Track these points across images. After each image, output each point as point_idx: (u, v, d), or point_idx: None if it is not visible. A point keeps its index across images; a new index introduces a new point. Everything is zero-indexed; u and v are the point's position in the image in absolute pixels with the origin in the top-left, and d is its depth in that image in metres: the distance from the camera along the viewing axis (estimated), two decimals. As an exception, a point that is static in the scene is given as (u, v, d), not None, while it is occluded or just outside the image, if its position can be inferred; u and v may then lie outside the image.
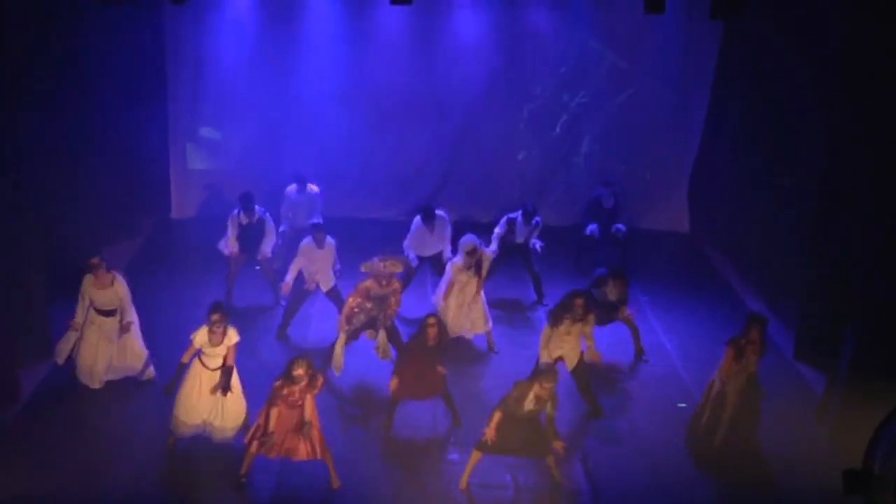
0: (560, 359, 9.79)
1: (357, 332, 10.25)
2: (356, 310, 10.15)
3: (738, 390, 9.06)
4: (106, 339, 9.97)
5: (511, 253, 12.39)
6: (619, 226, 13.37)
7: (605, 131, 14.93)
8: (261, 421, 8.48)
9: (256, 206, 11.84)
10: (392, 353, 10.18)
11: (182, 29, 14.33)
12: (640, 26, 14.02)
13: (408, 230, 12.28)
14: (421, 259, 12.11)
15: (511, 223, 12.32)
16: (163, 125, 14.56)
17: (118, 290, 9.91)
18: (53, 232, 11.23)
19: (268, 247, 11.88)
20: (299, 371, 8.24)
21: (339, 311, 10.78)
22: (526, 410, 8.46)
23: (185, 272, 12.85)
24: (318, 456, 8.54)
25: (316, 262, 11.16)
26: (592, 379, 10.12)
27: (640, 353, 11.20)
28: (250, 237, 11.86)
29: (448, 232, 12.12)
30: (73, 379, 10.09)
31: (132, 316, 10.07)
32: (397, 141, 14.99)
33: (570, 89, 14.89)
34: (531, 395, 8.43)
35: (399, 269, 10.23)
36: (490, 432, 8.53)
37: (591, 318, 9.90)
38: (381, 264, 10.07)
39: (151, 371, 10.19)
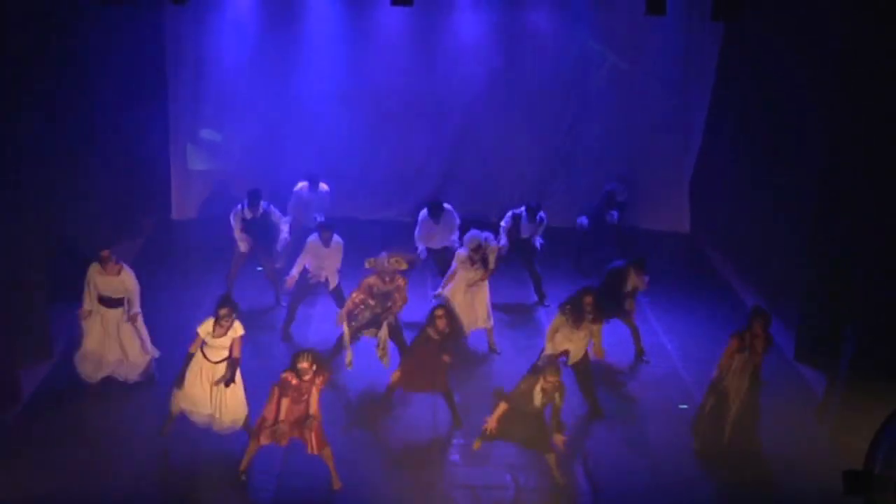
0: (565, 353, 9.77)
1: (360, 329, 10.24)
2: (360, 306, 10.14)
3: (741, 388, 9.04)
4: (108, 332, 9.96)
5: (514, 249, 12.36)
6: (613, 213, 13.39)
7: (605, 132, 14.91)
8: (267, 413, 8.48)
9: (262, 202, 11.83)
10: (391, 358, 10.14)
11: (182, 29, 14.32)
12: (641, 27, 14.02)
13: (409, 229, 12.28)
14: (428, 251, 12.15)
15: (516, 219, 12.34)
16: (163, 125, 14.55)
17: (125, 279, 9.91)
18: (54, 232, 11.24)
19: (285, 235, 11.85)
20: (304, 364, 8.26)
21: (341, 308, 10.79)
22: (535, 405, 8.47)
23: (185, 273, 12.85)
24: (317, 451, 8.54)
25: (322, 261, 11.16)
26: (594, 378, 10.12)
27: (640, 354, 11.20)
28: (255, 232, 11.85)
29: (456, 223, 12.16)
30: (73, 379, 10.09)
31: (138, 308, 10.04)
32: (397, 141, 14.99)
33: (571, 90, 14.88)
34: (537, 389, 8.44)
35: (403, 266, 10.20)
36: (492, 422, 8.53)
37: (601, 317, 9.89)
38: (386, 261, 10.07)
39: (153, 371, 10.18)
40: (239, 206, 11.87)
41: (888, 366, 9.09)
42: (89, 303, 9.91)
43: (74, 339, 10.22)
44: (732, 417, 9.10)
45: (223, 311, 8.80)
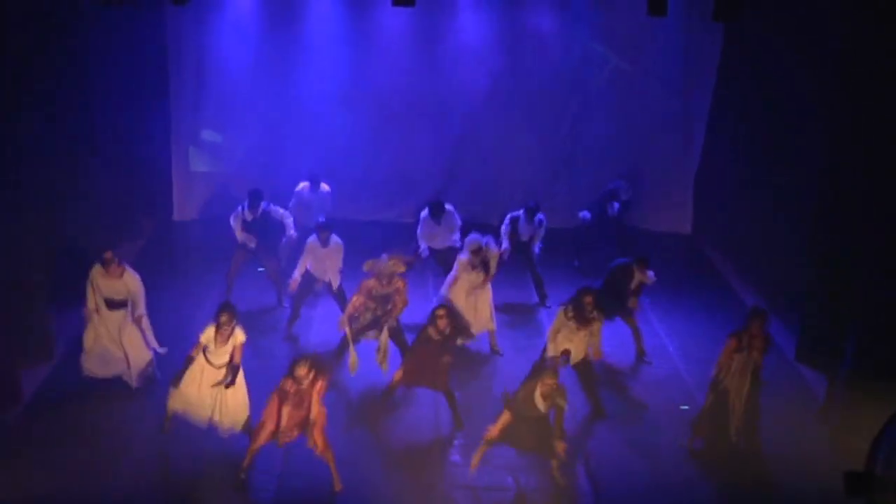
0: (566, 352, 9.76)
1: (361, 331, 10.24)
2: (360, 309, 10.14)
3: (742, 389, 9.04)
4: (110, 333, 9.96)
5: (515, 252, 12.38)
6: (614, 204, 13.40)
7: (606, 132, 14.91)
8: (267, 420, 8.48)
9: (262, 203, 11.82)
10: (391, 361, 10.12)
11: (184, 30, 14.32)
12: (642, 28, 14.04)
13: (411, 230, 12.28)
14: (430, 251, 12.17)
15: (514, 221, 12.36)
16: (164, 126, 14.55)
17: (128, 282, 9.90)
18: (55, 233, 11.24)
19: (291, 232, 11.84)
20: (302, 371, 8.26)
21: (342, 310, 10.79)
22: (540, 411, 8.47)
23: (186, 274, 12.86)
24: (320, 451, 8.56)
25: (321, 261, 11.16)
26: (597, 378, 10.12)
27: (641, 355, 11.19)
28: (256, 233, 11.84)
29: (457, 224, 12.19)
30: (74, 380, 10.09)
31: (142, 310, 10.03)
32: (399, 142, 14.98)
33: (572, 91, 14.89)
34: (537, 394, 8.44)
35: (402, 269, 10.19)
36: (494, 431, 8.53)
37: (601, 317, 9.86)
38: (385, 263, 10.06)
39: (154, 373, 10.18)
40: (239, 208, 11.87)
41: (889, 366, 9.08)
42: (92, 301, 9.89)
43: (76, 339, 10.21)
44: (737, 417, 9.09)
45: (224, 318, 8.79)
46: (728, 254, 14.18)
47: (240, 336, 8.90)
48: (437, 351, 9.41)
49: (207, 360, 8.91)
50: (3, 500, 8.30)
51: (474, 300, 11.09)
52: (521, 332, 11.84)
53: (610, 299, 10.69)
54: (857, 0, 10.21)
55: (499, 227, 12.45)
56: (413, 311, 10.82)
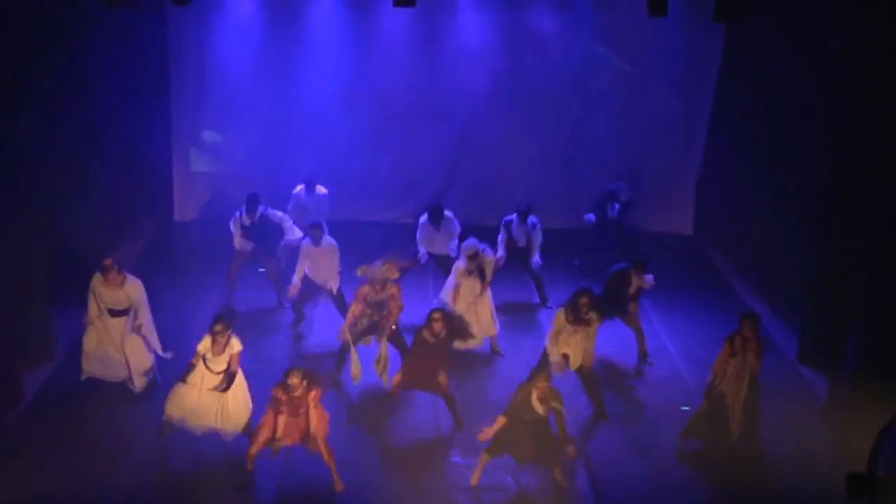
0: (566, 356, 9.76)
1: (359, 336, 10.21)
2: (359, 317, 10.13)
3: (739, 393, 9.03)
4: (111, 338, 9.95)
5: (514, 258, 12.39)
6: (615, 205, 13.36)
7: (608, 133, 14.91)
8: (265, 428, 8.49)
9: (260, 207, 11.81)
10: (391, 366, 10.11)
11: (185, 30, 14.34)
12: (643, 29, 14.03)
13: (412, 231, 12.27)
14: (429, 255, 12.15)
15: (508, 226, 12.34)
16: (165, 126, 14.56)
17: (129, 291, 9.88)
18: (55, 233, 11.24)
19: (291, 236, 11.79)
20: (294, 380, 8.27)
21: (341, 314, 10.77)
22: (538, 414, 8.44)
23: (187, 274, 12.85)
24: (325, 456, 8.58)
25: (317, 262, 11.15)
26: (599, 380, 10.12)
27: (643, 357, 11.18)
28: (255, 237, 11.83)
29: (456, 230, 12.17)
30: (75, 381, 10.09)
31: (145, 318, 10.02)
32: (400, 143, 14.98)
33: (574, 92, 14.89)
34: (534, 398, 8.43)
35: (395, 274, 10.14)
36: (489, 432, 8.53)
37: (596, 321, 9.82)
38: (378, 269, 10.03)
39: (155, 376, 10.18)
40: (237, 213, 11.85)
41: (891, 367, 9.07)
42: (94, 309, 9.88)
43: (77, 340, 10.20)
44: (737, 420, 9.09)
45: (218, 327, 8.79)
46: (729, 254, 14.17)
47: (236, 346, 8.90)
48: (434, 354, 9.40)
49: (207, 367, 8.92)
50: (4, 500, 8.29)
51: (474, 307, 11.07)
52: (522, 333, 11.82)
53: (611, 304, 10.68)
54: (857, 0, 10.21)
55: (497, 230, 12.45)
56: (414, 314, 10.81)
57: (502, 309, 11.99)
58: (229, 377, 8.89)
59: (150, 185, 14.51)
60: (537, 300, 12.60)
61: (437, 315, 9.39)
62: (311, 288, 11.32)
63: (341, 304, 11.16)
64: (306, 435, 8.49)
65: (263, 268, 12.22)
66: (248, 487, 8.65)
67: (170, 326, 10.72)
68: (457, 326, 9.84)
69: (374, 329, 10.16)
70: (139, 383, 10.06)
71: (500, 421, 8.53)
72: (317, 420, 8.43)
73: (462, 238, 11.59)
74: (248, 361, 9.60)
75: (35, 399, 9.98)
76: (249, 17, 14.35)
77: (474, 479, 8.80)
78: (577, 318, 9.62)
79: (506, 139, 14.99)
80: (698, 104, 14.67)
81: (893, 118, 9.71)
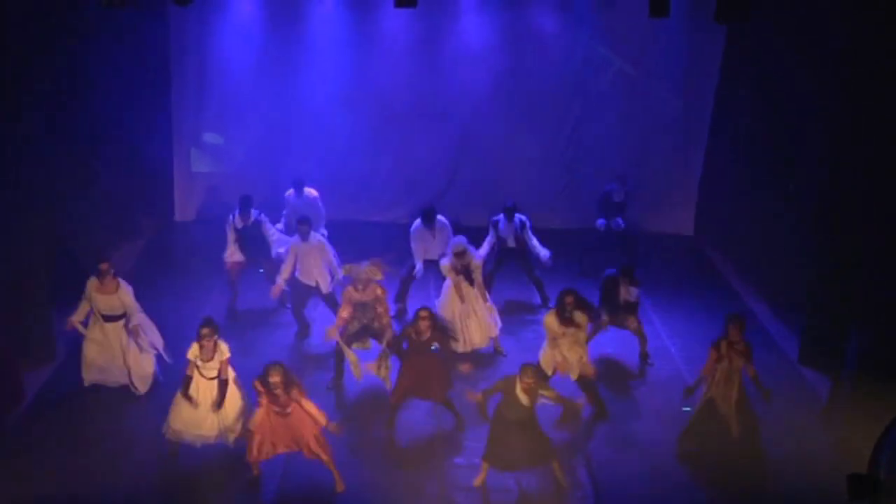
0: (558, 368, 9.73)
1: (351, 341, 10.19)
2: (349, 320, 10.10)
3: (730, 397, 9.03)
4: (111, 344, 9.95)
5: (509, 259, 12.33)
6: (619, 220, 13.36)
7: (609, 134, 14.90)
8: (258, 432, 8.53)
9: (252, 210, 11.79)
10: (392, 375, 10.09)
11: (186, 31, 14.34)
12: (644, 29, 14.03)
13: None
14: (426, 263, 12.00)
15: (495, 226, 12.26)
16: (166, 127, 14.57)
17: (122, 296, 9.90)
18: (56, 233, 11.23)
19: (271, 251, 11.74)
20: (275, 378, 8.28)
21: (335, 314, 10.75)
22: (521, 407, 8.42)
23: (187, 274, 12.85)
24: (324, 459, 8.60)
25: (306, 258, 11.12)
26: (595, 383, 10.11)
27: (644, 358, 11.16)
28: (248, 241, 11.81)
29: (450, 235, 11.99)
30: (75, 381, 10.10)
31: (138, 320, 10.01)
32: (401, 144, 14.98)
33: (575, 92, 14.88)
34: (519, 390, 8.40)
35: (378, 276, 10.10)
36: (475, 396, 8.61)
37: (584, 322, 9.74)
38: (363, 269, 10.00)
39: (157, 376, 10.17)
40: (230, 216, 11.83)
41: (892, 367, 9.05)
42: (80, 314, 9.90)
43: (78, 340, 10.21)
44: (733, 424, 9.07)
45: (204, 332, 8.80)
46: (730, 255, 14.16)
47: (225, 352, 8.90)
48: (426, 359, 9.42)
49: (201, 374, 8.92)
50: (4, 501, 8.29)
51: (470, 308, 11.02)
52: (523, 334, 11.81)
53: (609, 309, 10.68)
54: (857, 0, 10.20)
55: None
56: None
57: (504, 310, 11.99)
58: (222, 386, 8.89)
59: (150, 185, 14.51)
60: (538, 300, 12.58)
61: (423, 313, 9.39)
62: (303, 291, 11.28)
63: (333, 304, 11.15)
64: (300, 441, 8.50)
65: (263, 268, 12.20)
66: (254, 488, 8.66)
67: (170, 326, 10.71)
68: (441, 327, 9.78)
69: (364, 333, 10.16)
70: (142, 387, 10.06)
71: (479, 398, 8.57)
72: (305, 418, 8.44)
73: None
74: (250, 362, 9.60)
75: (35, 399, 9.99)
76: (250, 17, 14.35)
77: (477, 481, 8.79)
78: (562, 318, 9.60)
79: (506, 140, 14.98)
80: (699, 104, 14.66)
81: (894, 118, 9.70)
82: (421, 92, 14.75)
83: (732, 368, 9.02)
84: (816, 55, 11.29)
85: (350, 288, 10.07)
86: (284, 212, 12.71)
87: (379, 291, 10.10)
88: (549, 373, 9.73)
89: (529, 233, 12.25)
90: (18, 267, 9.95)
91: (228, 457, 8.96)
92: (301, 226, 11.14)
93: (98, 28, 12.16)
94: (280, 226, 12.42)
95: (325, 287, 11.23)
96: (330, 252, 11.30)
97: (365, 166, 14.96)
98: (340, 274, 10.88)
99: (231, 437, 8.97)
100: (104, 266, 9.80)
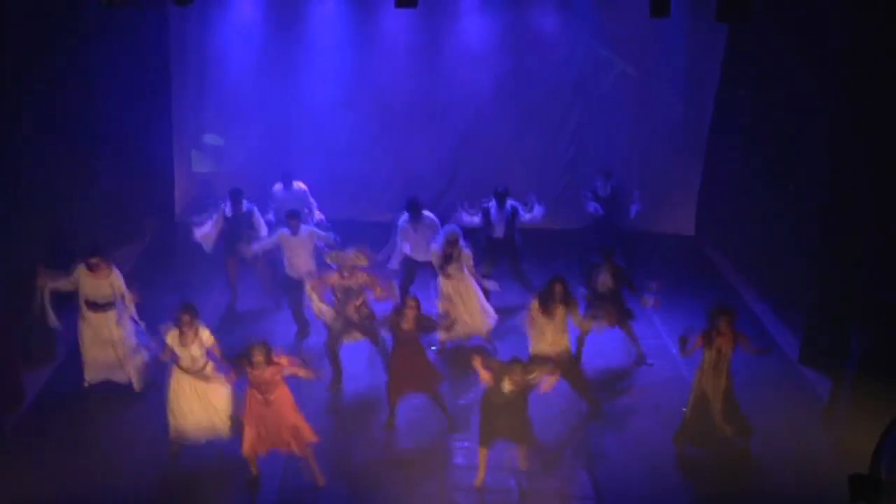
0: (548, 356, 9.70)
1: (340, 336, 10.20)
2: (325, 288, 10.07)
3: (719, 386, 9.04)
4: (100, 337, 9.94)
5: (497, 253, 12.21)
6: (592, 203, 13.31)
7: (610, 134, 14.90)
8: (248, 424, 8.54)
9: (245, 201, 11.80)
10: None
11: (187, 31, 14.36)
12: (645, 30, 14.02)
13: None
14: (416, 262, 11.88)
15: (486, 212, 12.16)
16: (167, 127, 14.57)
17: (113, 281, 9.88)
18: (57, 234, 11.23)
19: (256, 243, 11.61)
20: (258, 357, 8.27)
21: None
22: (503, 395, 8.45)
23: (187, 275, 12.84)
24: (300, 451, 8.60)
25: (293, 252, 11.10)
26: (585, 379, 10.11)
27: (641, 358, 11.13)
28: (237, 231, 11.79)
29: (437, 232, 11.74)
30: (76, 382, 10.10)
31: (126, 308, 10.01)
32: (401, 144, 14.98)
33: (576, 93, 14.88)
34: (506, 382, 8.42)
35: (363, 262, 10.09)
36: (479, 362, 8.57)
37: (563, 310, 9.68)
38: (347, 256, 10.01)
39: (144, 373, 10.16)
40: (222, 204, 11.87)
41: (893, 368, 9.04)
42: (58, 282, 9.81)
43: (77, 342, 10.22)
44: (718, 413, 9.06)
45: (185, 318, 8.76)
46: (731, 255, 14.15)
47: (207, 338, 8.86)
48: (413, 350, 9.44)
49: (182, 368, 8.89)
50: (4, 501, 8.29)
51: (460, 301, 10.99)
52: (521, 332, 11.76)
53: (591, 298, 10.67)
54: (858, 0, 10.19)
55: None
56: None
57: (502, 309, 11.95)
58: (212, 359, 8.84)
59: (151, 185, 14.50)
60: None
61: (411, 303, 9.38)
62: (292, 286, 11.26)
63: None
64: (287, 435, 8.49)
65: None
66: (253, 488, 8.65)
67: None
68: (427, 317, 9.75)
69: (351, 327, 10.14)
70: (137, 382, 10.05)
71: (479, 362, 8.54)
72: (288, 408, 8.48)
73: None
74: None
75: (36, 399, 9.99)
76: (251, 17, 14.36)
77: (479, 480, 8.79)
78: (545, 306, 9.58)
79: (507, 140, 14.98)
80: (700, 104, 14.66)
81: (894, 118, 9.70)
82: (421, 92, 14.76)
83: (721, 357, 9.01)
84: (817, 55, 11.28)
85: (335, 274, 10.07)
86: (272, 206, 12.58)
87: (364, 278, 10.09)
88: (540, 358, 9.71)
89: (521, 216, 12.16)
90: (18, 267, 9.93)
91: (228, 457, 8.95)
92: (290, 220, 11.13)
93: (98, 28, 12.15)
94: (270, 216, 12.35)
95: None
96: (319, 239, 11.24)
97: (365, 167, 14.97)
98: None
99: (225, 431, 8.96)
100: (94, 261, 9.80)
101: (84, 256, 9.86)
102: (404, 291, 11.41)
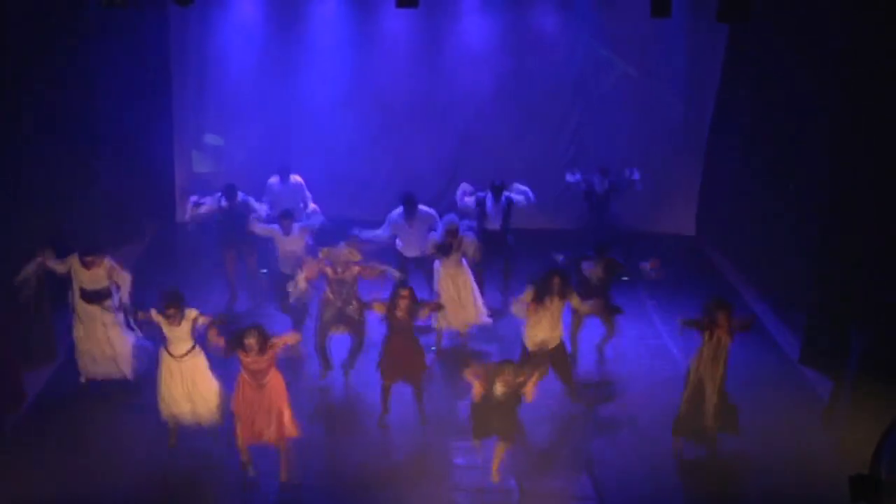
0: (543, 344, 9.72)
1: (327, 327, 10.24)
2: (316, 275, 10.09)
3: (716, 375, 9.02)
4: (95, 328, 9.94)
5: (492, 246, 12.07)
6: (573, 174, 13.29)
7: (610, 134, 14.90)
8: (240, 414, 8.55)
9: (239, 193, 11.82)
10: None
11: (187, 31, 14.36)
12: (646, 30, 14.02)
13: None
14: (406, 258, 11.84)
15: (481, 203, 12.13)
16: (167, 128, 14.57)
17: (107, 269, 9.88)
18: (57, 234, 11.21)
19: (256, 224, 11.55)
20: (250, 340, 8.28)
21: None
22: (496, 398, 8.44)
23: (188, 275, 12.82)
24: (282, 438, 8.59)
25: (286, 249, 11.12)
26: (570, 364, 10.13)
27: (601, 349, 11.08)
28: (233, 223, 11.79)
29: (434, 225, 11.74)
30: (76, 381, 10.10)
31: (121, 298, 10.01)
32: (402, 144, 14.98)
33: (576, 93, 14.88)
34: (497, 385, 8.41)
35: (357, 257, 10.10)
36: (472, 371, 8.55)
37: (559, 301, 9.69)
38: (340, 251, 10.02)
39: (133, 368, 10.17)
40: (218, 194, 11.91)
41: (894, 368, 9.03)
42: (53, 263, 9.81)
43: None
44: (711, 403, 9.05)
45: (170, 311, 8.80)
46: (732, 255, 14.15)
47: (191, 313, 8.87)
48: (406, 338, 9.44)
49: (170, 353, 8.94)
50: (4, 501, 8.29)
51: (456, 293, 10.99)
52: (516, 333, 11.75)
53: (581, 290, 10.59)
54: (858, 1, 10.19)
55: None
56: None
57: (494, 310, 11.96)
58: (199, 338, 8.89)
59: (151, 185, 14.50)
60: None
61: (404, 293, 9.38)
62: (285, 281, 11.25)
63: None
64: (270, 421, 8.47)
65: (265, 269, 12.20)
66: (250, 485, 8.66)
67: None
68: (419, 306, 9.75)
69: (340, 318, 10.17)
70: (129, 372, 10.06)
71: (469, 372, 8.53)
72: (279, 393, 8.49)
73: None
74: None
75: (36, 399, 9.98)
76: (251, 17, 14.37)
77: (495, 475, 8.77)
78: (541, 298, 9.59)
79: (508, 140, 14.98)
80: (700, 104, 14.67)
81: (894, 118, 9.70)
82: (422, 92, 14.76)
83: (720, 347, 9.00)
84: (817, 55, 11.28)
85: (328, 269, 10.08)
86: (267, 198, 12.47)
87: (357, 270, 10.09)
88: (534, 349, 9.76)
89: (515, 202, 12.14)
90: (18, 267, 9.92)
91: (228, 457, 8.94)
92: (283, 220, 11.12)
93: (98, 28, 12.15)
94: (265, 206, 12.31)
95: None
96: (311, 236, 11.22)
97: (366, 167, 14.97)
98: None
99: (204, 416, 9.00)
100: (89, 258, 9.80)
101: (80, 253, 9.84)
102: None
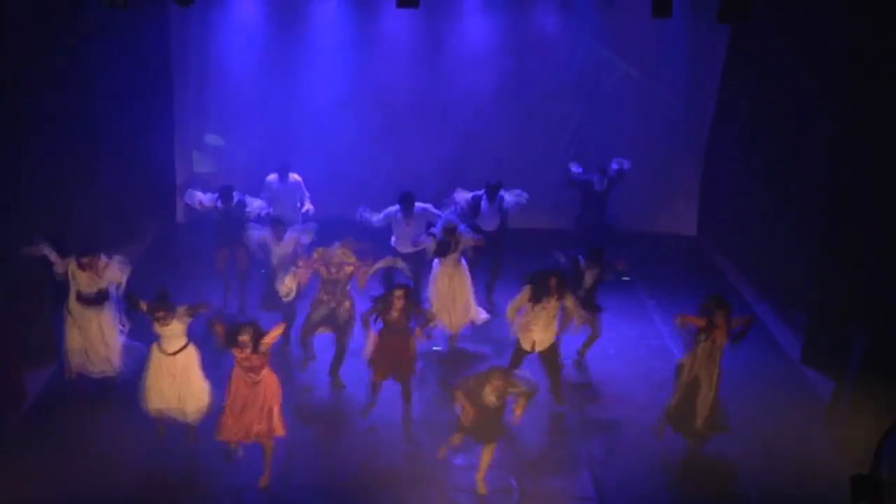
0: (534, 345, 9.74)
1: (317, 326, 10.27)
2: (309, 276, 10.12)
3: (712, 373, 9.03)
4: (89, 331, 9.93)
5: (486, 245, 11.95)
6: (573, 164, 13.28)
7: (611, 135, 14.90)
8: (229, 405, 8.56)
9: (235, 193, 11.82)
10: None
11: (188, 32, 14.38)
12: (647, 30, 14.03)
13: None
14: (400, 255, 11.68)
15: (476, 202, 12.10)
16: (168, 128, 14.57)
17: (109, 273, 9.86)
18: (57, 235, 11.21)
19: (251, 230, 11.50)
20: (244, 337, 8.28)
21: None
22: (486, 406, 8.41)
23: (188, 276, 12.83)
24: (270, 436, 8.58)
25: (278, 255, 11.08)
26: (561, 366, 10.13)
27: (582, 352, 11.04)
28: (231, 226, 11.79)
29: (431, 221, 11.76)
30: (76, 382, 10.09)
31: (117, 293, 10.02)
32: (403, 145, 14.99)
33: (577, 94, 14.89)
34: (487, 391, 8.37)
35: (351, 258, 10.12)
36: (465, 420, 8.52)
37: (556, 302, 9.71)
38: (334, 252, 10.03)
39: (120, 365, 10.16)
40: (216, 195, 11.90)
41: (895, 368, 9.04)
42: (53, 256, 9.81)
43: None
44: (704, 403, 9.06)
45: (159, 315, 8.81)
46: (733, 255, 14.15)
47: (183, 311, 8.89)
48: (400, 338, 9.42)
49: (162, 350, 8.95)
50: (4, 500, 8.29)
51: (452, 292, 10.98)
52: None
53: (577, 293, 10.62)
54: (859, 1, 10.19)
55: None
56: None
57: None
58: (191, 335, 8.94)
59: (151, 186, 14.50)
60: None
61: (399, 293, 9.37)
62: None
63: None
64: (259, 419, 8.47)
65: (264, 269, 12.17)
66: (253, 489, 8.66)
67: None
68: (414, 308, 9.75)
69: (330, 319, 10.18)
70: (115, 361, 10.04)
71: (461, 397, 8.48)
72: (271, 390, 8.49)
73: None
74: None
75: (36, 399, 9.98)
76: (252, 17, 14.40)
77: (480, 485, 8.75)
78: (538, 298, 9.59)
79: (508, 140, 15.00)
80: (701, 105, 14.67)
81: (894, 118, 9.70)
82: (422, 92, 14.78)
83: (716, 346, 9.00)
84: (817, 55, 11.29)
85: (322, 268, 10.09)
86: (265, 196, 12.44)
87: (350, 269, 10.10)
88: (528, 349, 9.79)
89: (506, 201, 12.12)
90: (19, 267, 9.92)
91: (228, 457, 8.93)
92: (275, 228, 11.08)
93: (98, 28, 12.14)
94: (262, 202, 12.28)
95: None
96: (304, 237, 11.17)
97: (366, 167, 14.97)
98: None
99: (191, 413, 9.01)
100: (86, 260, 9.80)
101: (77, 255, 9.84)
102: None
